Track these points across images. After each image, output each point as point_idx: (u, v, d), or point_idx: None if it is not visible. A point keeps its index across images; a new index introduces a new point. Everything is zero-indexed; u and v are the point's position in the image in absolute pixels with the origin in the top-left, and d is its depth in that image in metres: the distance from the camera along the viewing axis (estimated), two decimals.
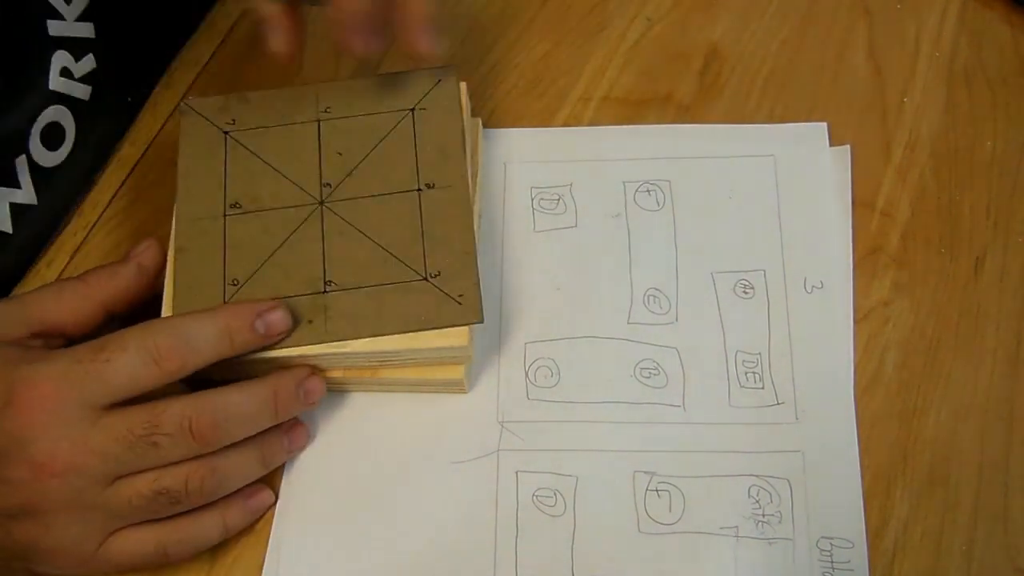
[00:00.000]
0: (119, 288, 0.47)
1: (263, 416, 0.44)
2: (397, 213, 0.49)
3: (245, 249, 0.49)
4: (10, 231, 0.51)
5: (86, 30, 0.52)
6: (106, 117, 0.55)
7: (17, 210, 0.51)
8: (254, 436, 0.45)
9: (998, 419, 0.48)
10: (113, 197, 0.56)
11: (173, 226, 0.49)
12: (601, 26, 0.60)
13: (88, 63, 0.53)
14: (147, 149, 0.57)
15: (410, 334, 0.47)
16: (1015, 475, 0.47)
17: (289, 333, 0.46)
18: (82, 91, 0.53)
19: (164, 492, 0.42)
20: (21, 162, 0.51)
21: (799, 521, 0.46)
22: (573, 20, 0.60)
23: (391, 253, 0.48)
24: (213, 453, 0.43)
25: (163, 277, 0.48)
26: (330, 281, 0.47)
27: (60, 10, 0.51)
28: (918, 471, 0.47)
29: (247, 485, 0.46)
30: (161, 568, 0.45)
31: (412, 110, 0.52)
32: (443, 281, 0.47)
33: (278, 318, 0.45)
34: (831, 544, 0.45)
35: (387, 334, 0.46)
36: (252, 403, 0.44)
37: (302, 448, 0.48)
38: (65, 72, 0.52)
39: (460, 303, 0.47)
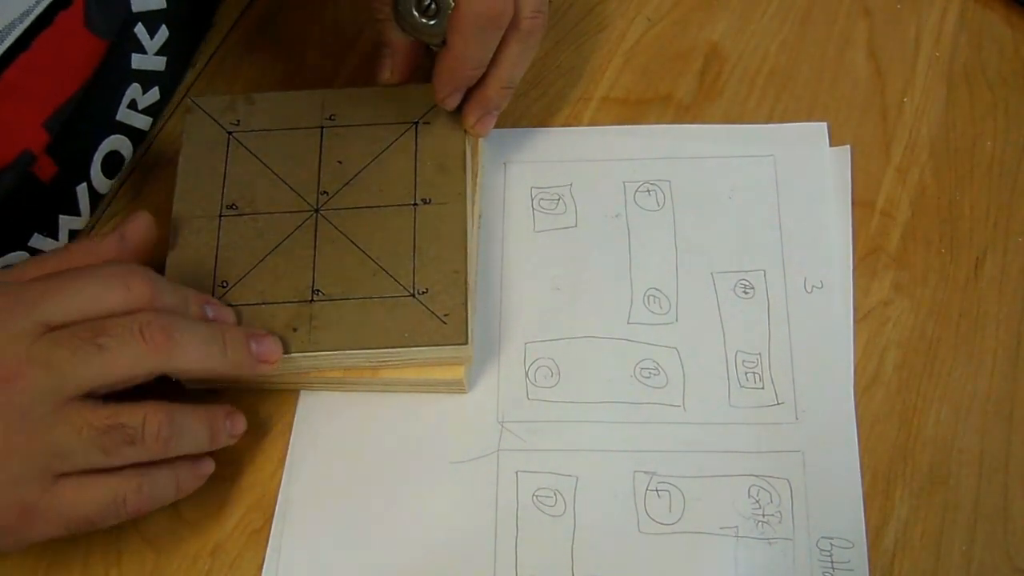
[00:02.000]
0: (99, 258, 0.45)
1: (215, 354, 0.43)
2: (391, 226, 0.49)
3: (237, 251, 0.49)
4: None
5: (159, 63, 0.53)
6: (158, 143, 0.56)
7: (73, 236, 0.52)
8: (203, 411, 0.44)
9: (998, 419, 0.48)
10: (113, 197, 0.56)
11: (170, 222, 0.49)
12: (601, 26, 0.60)
13: (153, 95, 0.54)
14: (147, 149, 0.57)
15: (410, 363, 0.47)
16: (1015, 475, 0.47)
17: (274, 367, 0.46)
18: (143, 122, 0.54)
19: (120, 427, 0.40)
20: (82, 190, 0.51)
21: (799, 521, 0.46)
22: (573, 20, 0.60)
23: (381, 266, 0.48)
24: (175, 405, 0.42)
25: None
26: (318, 290, 0.47)
27: (144, 44, 0.52)
28: (918, 471, 0.47)
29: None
30: (118, 519, 0.42)
31: (416, 123, 0.52)
32: (430, 299, 0.47)
33: (271, 346, 0.45)
34: (831, 544, 0.45)
35: (370, 348, 0.46)
36: (206, 331, 0.43)
37: (238, 436, 0.46)
38: (132, 104, 0.52)
39: (445, 322, 0.46)
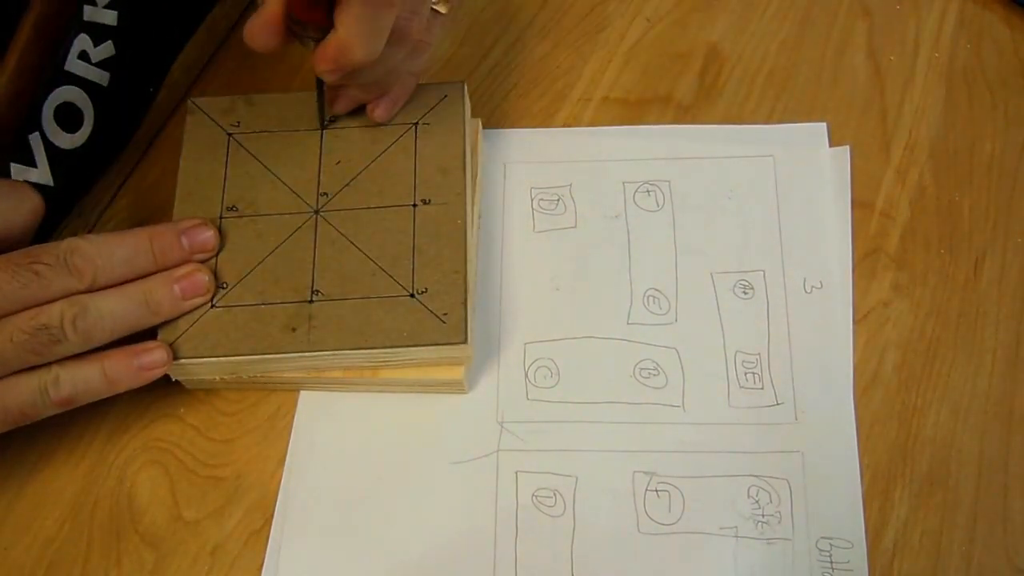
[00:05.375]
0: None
1: (140, 257, 0.46)
2: (390, 227, 0.49)
3: (237, 252, 0.49)
4: None
5: (110, 18, 0.53)
6: (125, 105, 0.55)
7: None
8: (138, 282, 0.46)
9: (997, 419, 0.48)
10: (113, 197, 0.56)
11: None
12: (601, 26, 0.60)
13: (107, 49, 0.53)
14: (147, 149, 0.57)
15: (410, 363, 0.47)
16: (1015, 475, 0.47)
17: (212, 252, 0.48)
18: (99, 76, 0.53)
19: (44, 328, 0.43)
20: (35, 140, 0.51)
21: (799, 521, 0.46)
22: (573, 20, 0.60)
23: (380, 267, 0.48)
24: (91, 294, 0.44)
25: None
26: (318, 290, 0.48)
27: None
28: (918, 471, 0.47)
29: (139, 342, 0.46)
30: (45, 408, 0.45)
31: (415, 124, 0.52)
32: (429, 299, 0.47)
33: (208, 236, 0.48)
34: (831, 544, 0.45)
35: (369, 348, 0.46)
36: (128, 242, 0.46)
37: (202, 296, 0.47)
38: (83, 56, 0.52)
39: (444, 322, 0.46)
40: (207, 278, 0.48)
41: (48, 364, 0.44)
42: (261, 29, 0.44)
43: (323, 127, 0.51)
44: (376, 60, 0.45)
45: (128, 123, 0.57)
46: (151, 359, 0.46)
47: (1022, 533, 0.45)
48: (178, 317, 0.47)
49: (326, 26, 0.43)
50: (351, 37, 0.43)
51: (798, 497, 0.46)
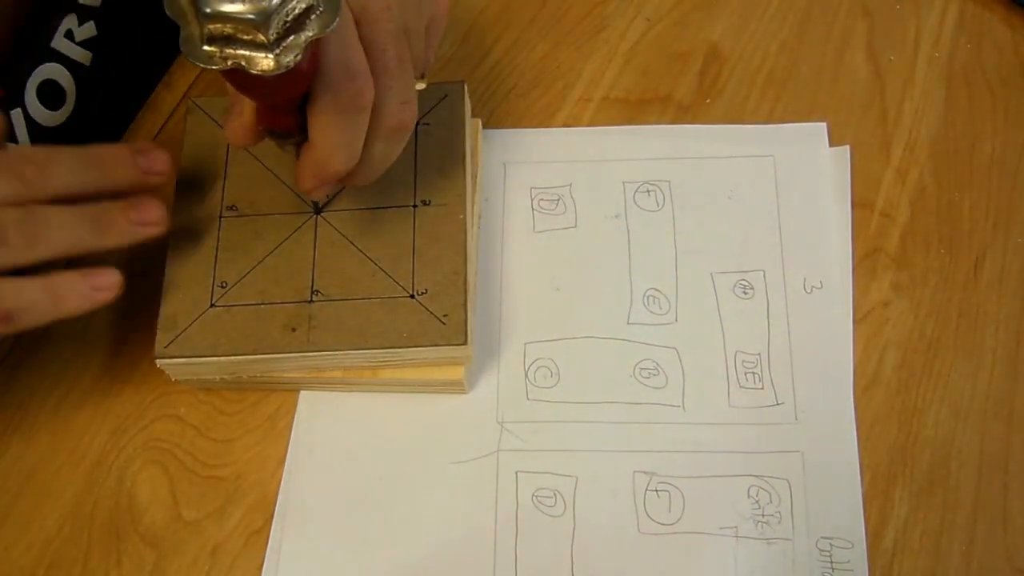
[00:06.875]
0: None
1: (91, 170, 0.44)
2: (390, 228, 0.49)
3: (237, 252, 0.49)
4: None
5: (97, 1, 0.53)
6: (107, 87, 0.55)
7: None
8: (90, 202, 0.43)
9: (997, 419, 0.48)
10: None
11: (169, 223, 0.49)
12: (601, 26, 0.60)
13: (89, 29, 0.53)
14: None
15: (410, 364, 0.47)
16: (1015, 475, 0.47)
17: (166, 175, 0.46)
18: (81, 55, 0.53)
19: None
20: (17, 115, 0.50)
21: (799, 521, 0.46)
22: (573, 20, 0.60)
23: (380, 267, 0.48)
24: (39, 204, 0.42)
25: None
26: (317, 291, 0.47)
27: None
28: (918, 471, 0.47)
29: (89, 266, 0.44)
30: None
31: (415, 125, 0.51)
32: (429, 300, 0.47)
33: (162, 157, 0.45)
34: (831, 544, 0.45)
35: (369, 348, 0.46)
36: (79, 153, 0.44)
37: (155, 224, 0.45)
38: (68, 34, 0.52)
39: (444, 323, 0.46)
40: (161, 209, 0.45)
41: None
42: (238, 132, 0.42)
43: (318, 212, 0.49)
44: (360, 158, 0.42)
45: (111, 106, 0.56)
46: (103, 279, 0.44)
47: (1022, 533, 0.45)
48: (128, 243, 0.45)
49: (298, 133, 0.41)
50: (326, 150, 0.41)
51: (798, 497, 0.46)
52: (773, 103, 0.56)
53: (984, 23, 0.58)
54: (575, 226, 0.53)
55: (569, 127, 0.56)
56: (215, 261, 0.48)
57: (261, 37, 0.34)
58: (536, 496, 0.47)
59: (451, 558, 0.46)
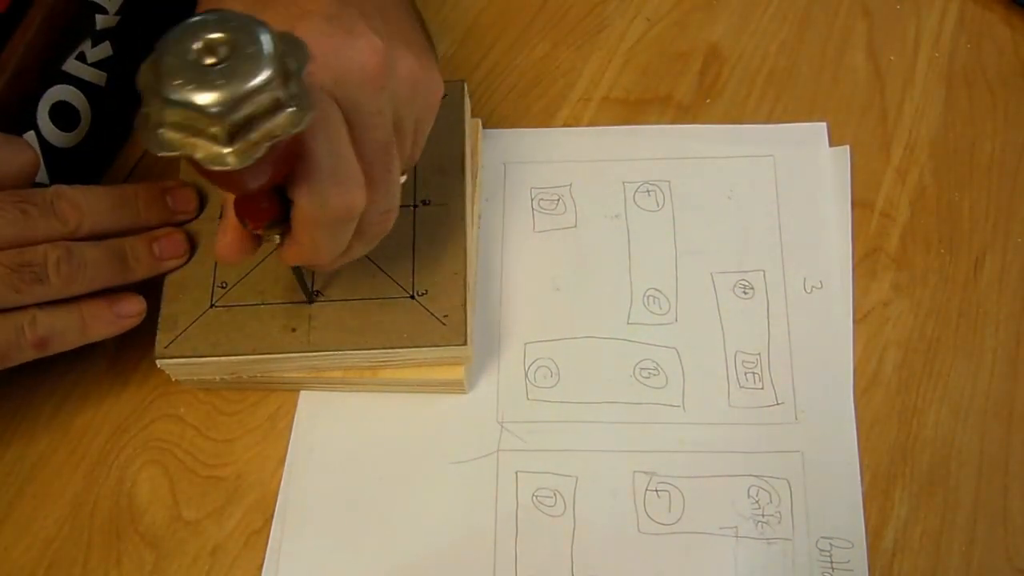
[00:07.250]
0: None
1: (124, 210, 0.47)
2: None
3: None
4: None
5: (113, 22, 0.53)
6: (123, 105, 0.55)
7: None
8: (119, 238, 0.46)
9: (997, 419, 0.48)
10: None
11: None
12: (601, 26, 0.60)
13: (104, 50, 0.53)
14: (147, 150, 0.57)
15: (410, 364, 0.47)
16: (1015, 475, 0.47)
17: (193, 214, 0.49)
18: (95, 76, 0.53)
19: (27, 265, 0.43)
20: (31, 138, 0.51)
21: (798, 521, 0.46)
22: (573, 20, 0.60)
23: (380, 268, 0.48)
24: (75, 241, 0.44)
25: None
26: (317, 291, 0.47)
27: (106, 6, 0.52)
28: (918, 471, 0.47)
29: (115, 292, 0.46)
30: (22, 352, 0.44)
31: None
32: (429, 300, 0.47)
33: (190, 197, 0.49)
34: (831, 544, 0.45)
35: (369, 348, 0.46)
36: (114, 193, 0.47)
37: (179, 257, 0.48)
38: (80, 56, 0.52)
39: (444, 324, 0.46)
40: (186, 241, 0.48)
41: (26, 307, 0.44)
42: (230, 248, 0.41)
43: (311, 301, 0.48)
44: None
45: (128, 126, 0.57)
46: (128, 307, 0.46)
47: (1022, 533, 0.45)
48: (155, 276, 0.48)
49: (279, 223, 0.39)
50: (312, 250, 0.40)
51: (798, 497, 0.46)
52: (773, 103, 0.56)
53: (984, 23, 0.58)
54: (575, 226, 0.53)
55: (569, 127, 0.56)
56: (215, 261, 0.48)
57: (216, 130, 0.31)
58: (536, 496, 0.47)
59: (451, 558, 0.46)
